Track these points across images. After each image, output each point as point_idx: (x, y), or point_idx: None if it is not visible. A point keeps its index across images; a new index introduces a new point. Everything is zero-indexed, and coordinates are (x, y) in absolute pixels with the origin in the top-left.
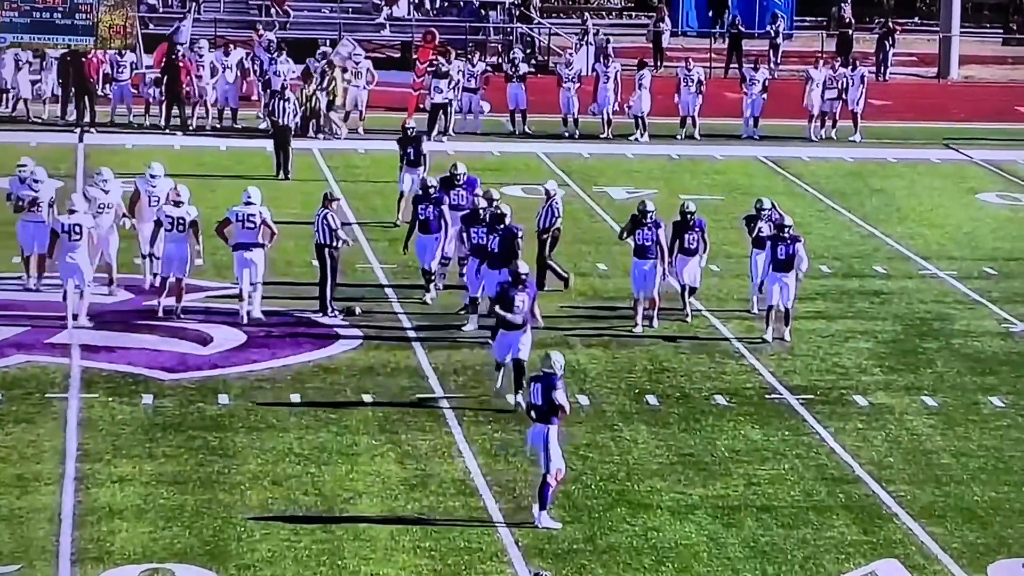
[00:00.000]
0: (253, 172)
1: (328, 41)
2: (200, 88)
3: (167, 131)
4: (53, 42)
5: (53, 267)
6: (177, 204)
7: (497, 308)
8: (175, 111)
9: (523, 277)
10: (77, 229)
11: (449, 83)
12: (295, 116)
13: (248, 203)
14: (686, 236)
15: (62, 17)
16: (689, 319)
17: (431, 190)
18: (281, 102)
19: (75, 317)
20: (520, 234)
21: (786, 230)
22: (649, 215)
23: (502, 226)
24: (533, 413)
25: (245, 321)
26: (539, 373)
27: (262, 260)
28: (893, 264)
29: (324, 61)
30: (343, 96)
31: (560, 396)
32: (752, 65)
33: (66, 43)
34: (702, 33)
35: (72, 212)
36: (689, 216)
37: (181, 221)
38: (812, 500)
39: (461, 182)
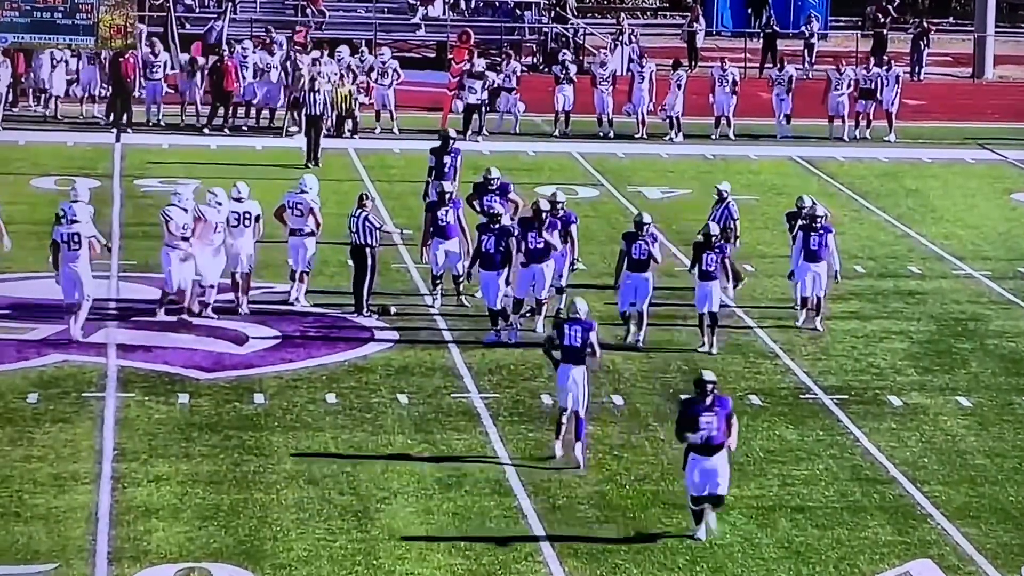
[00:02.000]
0: (290, 172)
1: (364, 42)
2: (245, 88)
3: (204, 131)
4: (54, 42)
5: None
6: (239, 200)
7: (686, 434)
8: (219, 111)
9: (708, 387)
10: (76, 239)
11: (483, 84)
12: (325, 107)
13: (302, 191)
14: (704, 257)
15: (63, 17)
16: (714, 350)
17: (447, 196)
18: (312, 93)
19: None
20: (516, 233)
21: (817, 220)
22: (645, 227)
23: (497, 226)
24: (570, 354)
25: (291, 301)
26: (572, 317)
27: (312, 247)
28: (927, 264)
29: (291, 59)
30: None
31: (595, 339)
32: (777, 66)
33: (67, 43)
34: (736, 33)
35: (74, 222)
36: (712, 239)
37: (247, 216)
38: (846, 500)
39: (495, 187)
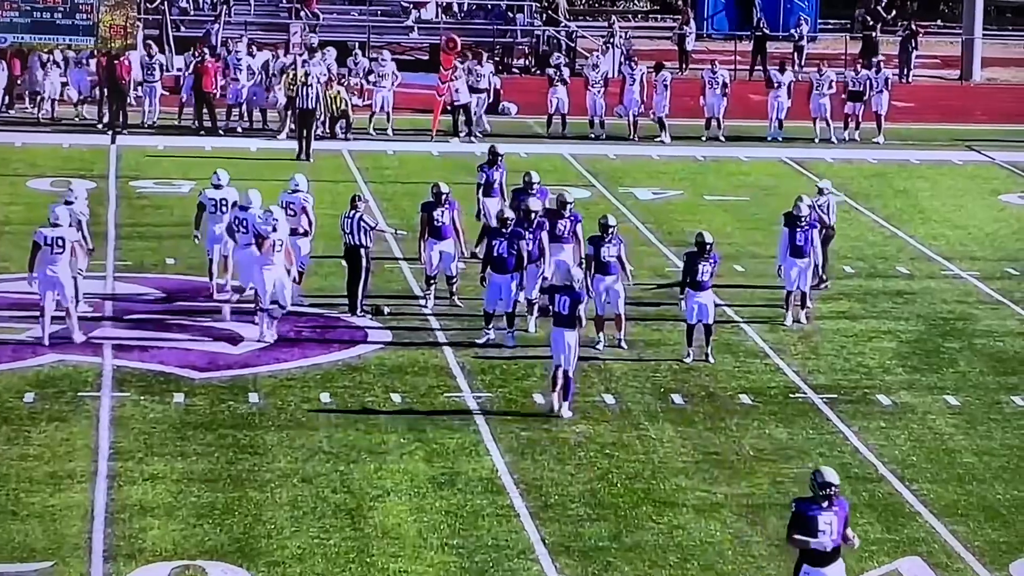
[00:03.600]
0: (284, 173)
1: (357, 44)
2: (236, 91)
3: (201, 132)
4: (54, 42)
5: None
6: (217, 187)
7: (797, 535)
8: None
9: (832, 489)
10: (60, 242)
11: (479, 86)
12: (317, 102)
13: (294, 191)
14: (699, 267)
15: (62, 17)
16: (712, 359)
17: (443, 196)
18: (304, 88)
19: (58, 329)
20: (526, 236)
21: (803, 217)
22: (611, 230)
23: (508, 230)
24: (558, 320)
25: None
26: (565, 285)
27: (306, 247)
28: (916, 264)
29: (286, 57)
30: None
31: (583, 310)
32: (778, 67)
33: (66, 43)
34: (727, 36)
35: (56, 225)
36: (708, 247)
37: (224, 202)
38: None
39: (535, 191)
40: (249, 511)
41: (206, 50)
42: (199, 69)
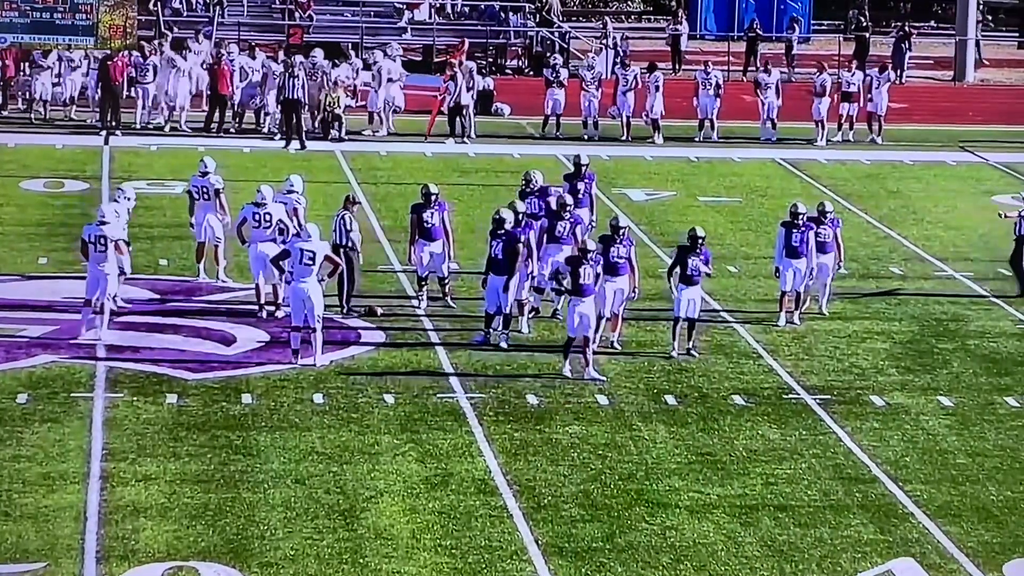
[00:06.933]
0: (278, 174)
1: (351, 46)
2: (235, 92)
3: (200, 134)
4: (53, 42)
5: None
6: (204, 174)
7: None
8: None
9: None
10: (103, 240)
11: (468, 86)
12: (304, 92)
13: (289, 191)
14: (690, 262)
15: (62, 17)
16: (696, 353)
17: (432, 197)
18: (291, 79)
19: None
20: (523, 239)
21: (799, 217)
22: (622, 231)
23: (503, 232)
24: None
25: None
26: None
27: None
28: (909, 265)
29: (282, 62)
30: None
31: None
32: (764, 68)
33: (66, 43)
34: (720, 36)
35: (103, 224)
36: (700, 241)
37: (206, 189)
38: (829, 499)
39: (534, 190)
40: (242, 512)
41: (223, 52)
42: (214, 72)
